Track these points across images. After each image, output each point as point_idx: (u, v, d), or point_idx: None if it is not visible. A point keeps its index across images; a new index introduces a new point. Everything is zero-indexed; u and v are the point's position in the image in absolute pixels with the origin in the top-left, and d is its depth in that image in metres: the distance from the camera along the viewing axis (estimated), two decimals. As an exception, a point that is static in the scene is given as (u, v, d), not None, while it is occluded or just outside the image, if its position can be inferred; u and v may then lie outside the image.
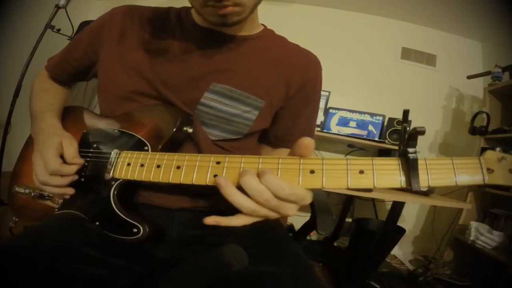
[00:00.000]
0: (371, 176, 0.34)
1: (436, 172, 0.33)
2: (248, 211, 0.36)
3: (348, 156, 2.16)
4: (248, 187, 0.35)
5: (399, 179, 0.34)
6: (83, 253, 0.46)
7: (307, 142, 0.36)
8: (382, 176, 0.34)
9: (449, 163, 0.33)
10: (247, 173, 0.36)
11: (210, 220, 0.37)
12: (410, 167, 0.33)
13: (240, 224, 0.37)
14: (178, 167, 0.43)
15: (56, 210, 0.55)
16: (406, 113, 0.39)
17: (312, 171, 0.36)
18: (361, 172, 0.35)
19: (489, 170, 0.33)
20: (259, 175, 0.35)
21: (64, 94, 0.71)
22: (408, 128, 0.36)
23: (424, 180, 0.33)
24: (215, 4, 0.47)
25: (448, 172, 0.33)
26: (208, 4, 0.47)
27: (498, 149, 0.34)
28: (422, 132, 0.33)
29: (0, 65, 1.79)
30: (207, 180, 0.40)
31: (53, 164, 0.49)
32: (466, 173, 0.33)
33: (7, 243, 0.45)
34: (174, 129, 0.52)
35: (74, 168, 0.51)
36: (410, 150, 0.34)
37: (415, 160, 0.33)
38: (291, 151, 0.38)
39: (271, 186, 0.34)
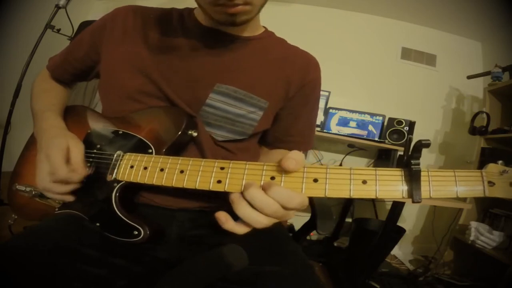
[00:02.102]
0: (374, 187, 0.35)
1: (438, 184, 0.34)
2: (257, 225, 0.37)
3: (348, 156, 2.16)
4: (255, 199, 0.35)
5: (401, 190, 0.34)
6: (83, 253, 0.46)
7: (296, 156, 0.36)
8: (385, 187, 0.35)
9: (451, 175, 0.34)
10: (251, 185, 0.36)
11: (222, 215, 0.37)
12: (412, 178, 0.34)
13: (242, 232, 0.38)
14: (182, 171, 0.42)
15: (57, 209, 0.55)
16: (412, 125, 0.40)
17: (315, 180, 0.36)
18: (364, 182, 0.35)
19: (490, 183, 0.33)
20: (265, 188, 0.36)
21: (65, 94, 0.71)
22: (412, 139, 0.37)
23: (426, 191, 0.34)
24: (226, 2, 0.47)
25: (450, 184, 0.34)
26: (219, 2, 0.47)
27: (500, 162, 0.34)
28: (427, 145, 0.34)
29: (0, 65, 1.79)
30: (211, 185, 0.40)
31: (61, 174, 0.48)
32: (468, 185, 0.34)
33: (7, 242, 0.45)
34: (179, 133, 0.51)
35: (79, 178, 0.50)
36: (413, 161, 0.34)
37: (418, 172, 0.34)
38: (280, 163, 0.38)
39: (281, 198, 0.35)
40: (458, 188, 0.33)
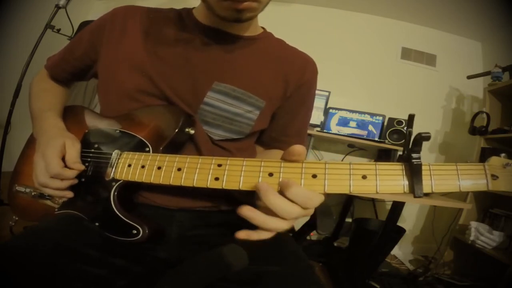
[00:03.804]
0: (374, 182, 0.34)
1: (440, 178, 0.33)
2: (281, 230, 0.36)
3: (348, 156, 2.16)
4: (279, 209, 0.34)
5: (402, 185, 0.33)
6: (83, 253, 0.46)
7: (298, 149, 0.36)
8: (385, 182, 0.34)
9: (453, 169, 0.33)
10: (271, 193, 0.34)
11: (242, 234, 0.36)
12: (413, 172, 0.33)
13: (268, 236, 0.37)
14: (179, 169, 0.42)
15: (56, 210, 0.55)
16: (411, 118, 0.39)
17: (314, 175, 0.36)
18: (364, 177, 0.34)
19: (494, 177, 0.32)
20: (283, 189, 0.35)
21: (64, 93, 0.71)
22: (412, 132, 0.36)
23: (427, 185, 0.33)
24: None
25: (452, 178, 0.33)
26: None
27: (503, 155, 0.34)
28: (427, 138, 0.33)
29: (0, 65, 1.79)
30: (208, 183, 0.40)
31: (55, 168, 0.49)
32: (470, 179, 0.33)
33: (7, 242, 0.45)
34: (176, 130, 0.51)
35: (74, 173, 0.51)
36: (414, 155, 0.33)
37: (419, 166, 0.33)
38: (281, 157, 0.38)
39: (300, 200, 0.34)
40: (461, 181, 0.32)
